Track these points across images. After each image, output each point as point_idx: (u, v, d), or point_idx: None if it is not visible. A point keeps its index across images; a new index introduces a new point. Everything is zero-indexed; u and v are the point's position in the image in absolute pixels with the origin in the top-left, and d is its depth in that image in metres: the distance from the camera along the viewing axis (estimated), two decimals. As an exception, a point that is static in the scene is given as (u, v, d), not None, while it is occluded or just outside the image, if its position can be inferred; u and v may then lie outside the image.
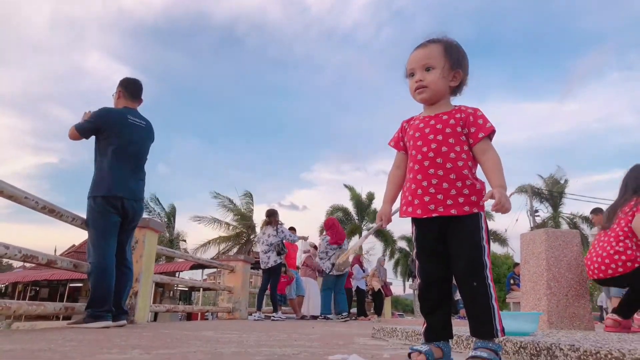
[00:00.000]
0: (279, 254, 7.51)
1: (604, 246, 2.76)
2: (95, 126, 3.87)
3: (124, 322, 3.85)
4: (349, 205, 33.36)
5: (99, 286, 3.61)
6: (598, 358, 1.29)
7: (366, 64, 72.57)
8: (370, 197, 33.38)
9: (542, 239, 2.87)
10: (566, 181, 32.55)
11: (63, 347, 1.81)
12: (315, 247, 10.53)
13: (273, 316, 7.35)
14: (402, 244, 35.25)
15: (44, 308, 3.49)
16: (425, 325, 1.60)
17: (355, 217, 33.01)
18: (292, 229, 9.20)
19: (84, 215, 3.83)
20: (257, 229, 27.72)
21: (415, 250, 1.67)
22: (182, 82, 69.47)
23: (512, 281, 11.49)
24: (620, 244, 2.69)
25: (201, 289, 18.66)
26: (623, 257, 2.68)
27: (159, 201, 28.82)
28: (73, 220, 3.81)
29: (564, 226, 30.37)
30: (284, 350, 1.91)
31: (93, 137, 3.91)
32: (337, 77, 72.60)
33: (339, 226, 8.58)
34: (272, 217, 7.66)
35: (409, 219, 1.66)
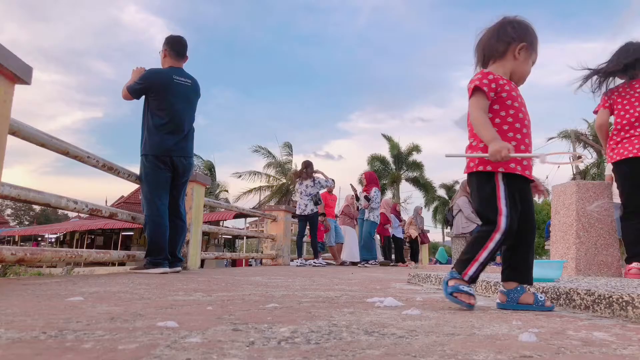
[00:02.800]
0: (315, 204, 7.88)
1: None
2: (144, 87, 4.09)
3: (179, 268, 4.21)
4: (387, 155, 33.29)
5: (154, 237, 3.94)
6: (610, 302, 1.43)
7: (401, 8, 69.73)
8: (414, 148, 33.06)
9: (573, 190, 2.93)
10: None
11: (137, 290, 2.09)
12: (354, 198, 10.80)
13: (314, 262, 7.77)
14: (441, 192, 35.18)
15: (109, 256, 3.87)
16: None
17: (392, 166, 32.99)
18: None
19: (137, 172, 4.14)
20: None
21: (512, 203, 1.72)
22: (217, 33, 69.12)
23: (550, 228, 11.48)
24: None
25: (245, 237, 19.44)
26: None
27: (199, 156, 29.72)
28: (129, 176, 4.12)
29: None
30: (327, 293, 2.14)
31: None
32: (372, 22, 70.23)
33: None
34: (308, 168, 8.01)
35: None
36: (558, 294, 1.66)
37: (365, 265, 8.31)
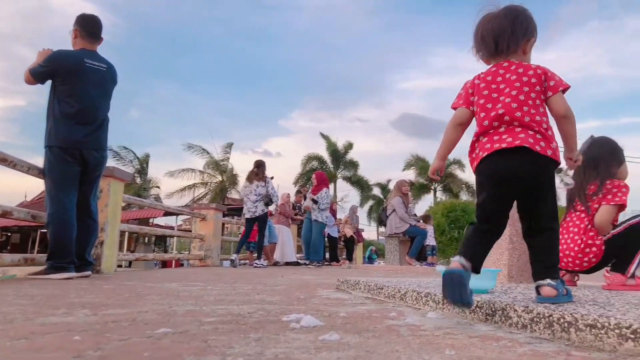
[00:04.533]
0: (266, 204, 7.61)
1: (574, 238, 2.57)
2: (50, 71, 3.65)
3: (89, 272, 3.80)
4: (325, 154, 33.38)
5: (59, 238, 3.52)
6: (550, 321, 1.28)
7: (344, 9, 70.23)
8: (349, 146, 33.40)
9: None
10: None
11: (9, 307, 1.73)
12: (289, 196, 10.60)
13: (256, 263, 7.48)
14: (377, 191, 35.75)
15: (1, 260, 3.38)
16: None
17: (330, 165, 33.12)
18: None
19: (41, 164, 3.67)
20: (237, 177, 27.69)
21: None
22: (155, 23, 66.19)
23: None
24: (590, 233, 2.52)
25: (175, 236, 18.66)
26: (594, 249, 2.51)
27: (130, 150, 28.35)
28: (29, 169, 3.66)
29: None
30: (241, 308, 1.87)
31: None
32: (316, 21, 70.15)
33: None
34: (260, 168, 7.71)
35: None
36: (494, 309, 1.50)
37: (310, 266, 8.12)
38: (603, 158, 2.52)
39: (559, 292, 1.53)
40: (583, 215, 2.56)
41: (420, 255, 8.56)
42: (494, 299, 1.59)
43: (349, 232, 12.29)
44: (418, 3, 76.05)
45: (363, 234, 15.35)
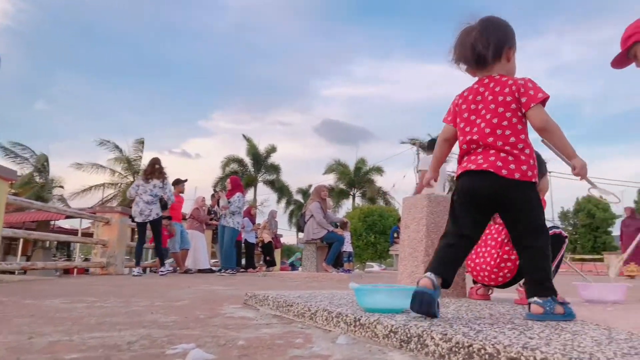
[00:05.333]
0: (164, 207, 7.06)
1: (491, 252, 2.50)
2: None
3: (-45, 286, 3.25)
4: (245, 157, 32.79)
5: None
6: (470, 352, 1.14)
7: (272, 12, 69.95)
8: (271, 150, 33.05)
9: (424, 204, 2.70)
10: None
11: None
12: (204, 200, 10.15)
13: (161, 271, 6.95)
14: (298, 197, 35.71)
15: None
16: None
17: (251, 169, 32.60)
18: (178, 181, 8.77)
19: None
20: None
21: None
22: (66, 11, 61.73)
23: (395, 234, 12.05)
24: (506, 247, 2.44)
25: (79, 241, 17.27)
26: (509, 264, 2.43)
27: (27, 147, 26.01)
28: None
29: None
30: (121, 335, 1.58)
31: None
32: (241, 21, 69.13)
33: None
34: (159, 166, 7.14)
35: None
36: (409, 335, 1.34)
37: (223, 274, 7.74)
38: None
39: (545, 310, 1.56)
40: (501, 228, 2.51)
41: (337, 261, 8.49)
42: (410, 323, 1.44)
43: (267, 237, 12.02)
44: (342, 11, 77.60)
45: (283, 239, 15.17)
